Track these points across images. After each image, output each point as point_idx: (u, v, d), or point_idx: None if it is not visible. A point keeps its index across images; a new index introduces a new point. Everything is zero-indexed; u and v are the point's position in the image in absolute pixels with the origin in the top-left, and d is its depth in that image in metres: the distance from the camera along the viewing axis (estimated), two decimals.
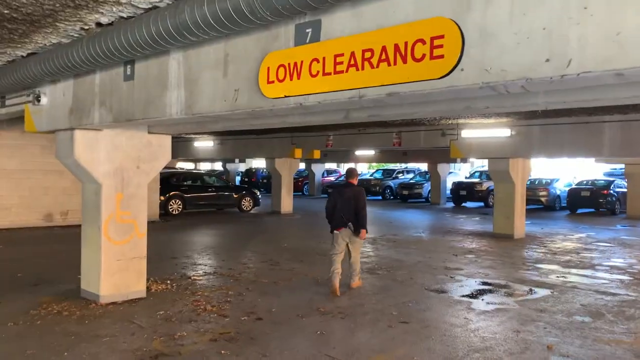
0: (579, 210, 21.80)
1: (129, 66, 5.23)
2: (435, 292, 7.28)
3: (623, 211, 21.21)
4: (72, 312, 5.96)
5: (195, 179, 18.65)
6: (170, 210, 16.75)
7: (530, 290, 7.44)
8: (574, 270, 8.97)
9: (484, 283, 7.87)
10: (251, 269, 8.69)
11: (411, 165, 31.71)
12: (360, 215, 6.89)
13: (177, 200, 17.00)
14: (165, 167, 19.18)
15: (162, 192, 16.05)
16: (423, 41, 2.84)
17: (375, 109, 3.98)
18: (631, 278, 8.45)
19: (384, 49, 3.02)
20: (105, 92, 5.56)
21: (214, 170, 40.19)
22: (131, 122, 5.28)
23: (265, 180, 31.89)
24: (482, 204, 24.06)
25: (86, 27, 4.88)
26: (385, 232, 13.81)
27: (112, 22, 4.61)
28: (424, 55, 2.85)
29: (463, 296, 7.08)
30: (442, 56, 2.78)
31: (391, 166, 34.25)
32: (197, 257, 9.74)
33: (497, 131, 12.78)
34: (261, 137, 18.91)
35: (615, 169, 26.61)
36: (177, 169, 21.96)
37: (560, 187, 22.96)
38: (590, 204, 20.89)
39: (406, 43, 2.92)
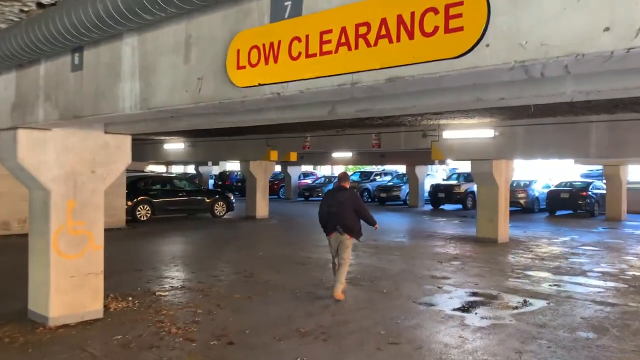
0: (558, 212, 21.66)
1: (77, 54, 4.50)
2: (425, 305, 6.70)
3: (602, 213, 21.13)
4: (15, 338, 5.18)
5: (164, 183, 17.77)
6: (138, 216, 15.85)
7: (525, 301, 6.92)
8: (566, 278, 8.51)
9: (474, 294, 7.33)
10: (223, 282, 7.98)
11: (389, 168, 31.32)
12: (365, 216, 6.94)
13: (146, 206, 16.11)
14: (134, 171, 18.49)
15: (129, 197, 15.16)
16: (435, 10, 2.23)
17: (368, 101, 3.36)
18: (626, 286, 8.03)
19: (383, 22, 2.40)
20: (51, 85, 4.81)
21: (186, 174, 39.15)
22: (80, 119, 4.55)
23: (239, 184, 31.08)
24: (460, 206, 23.75)
25: (26, 9, 4.16)
26: (366, 237, 13.19)
27: (55, 1, 3.91)
28: (436, 28, 2.23)
29: (454, 310, 6.51)
30: (460, 28, 2.17)
31: (368, 168, 33.80)
32: (164, 268, 8.97)
33: (480, 132, 12.35)
34: (235, 139, 18.17)
35: (592, 170, 26.64)
36: (146, 172, 21.00)
37: (539, 189, 22.80)
38: (569, 205, 20.73)
39: (413, 14, 2.30)
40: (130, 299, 6.64)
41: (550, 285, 8.00)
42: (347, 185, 7.15)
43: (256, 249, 11.34)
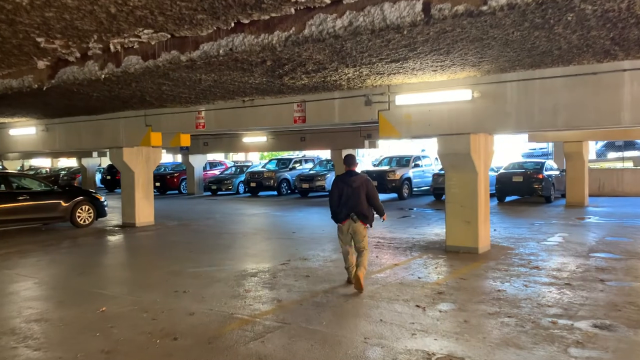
0: (508, 198, 18.63)
1: None
2: None
3: (557, 197, 18.36)
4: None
5: None
6: None
7: None
8: None
9: None
10: None
11: (310, 154, 27.19)
12: (376, 204, 6.60)
13: None
14: None
15: None
16: None
17: None
18: None
19: None
20: None
21: (70, 168, 32.72)
22: None
23: None
24: (395, 195, 20.17)
25: None
26: (290, 253, 8.95)
27: None
28: None
29: None
30: None
31: (287, 155, 29.48)
32: None
33: (452, 94, 8.41)
34: (101, 118, 13.09)
35: (535, 149, 24.06)
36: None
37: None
38: (523, 190, 17.64)
39: None
40: None
41: None
42: (355, 168, 6.75)
43: (113, 289, 6.69)
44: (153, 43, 5.92)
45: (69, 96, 9.42)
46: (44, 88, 7.28)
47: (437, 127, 8.67)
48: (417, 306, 5.69)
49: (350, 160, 6.76)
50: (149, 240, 11.38)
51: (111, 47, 6.02)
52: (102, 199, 13.68)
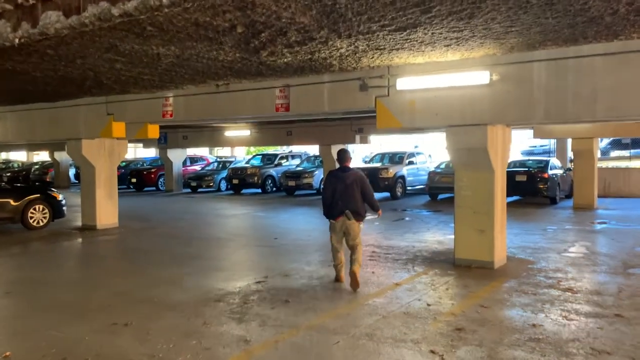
0: (509, 199, 17.25)
1: None
2: None
3: (561, 198, 17.03)
4: None
5: None
6: None
7: None
8: None
9: None
10: None
11: (297, 149, 25.68)
12: (371, 200, 6.49)
13: None
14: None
15: None
16: None
17: None
18: None
19: None
20: None
21: (43, 162, 30.85)
22: None
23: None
24: (388, 194, 18.69)
25: None
26: (269, 266, 7.46)
27: None
28: None
29: None
30: None
31: (272, 151, 27.96)
32: None
33: (465, 76, 6.96)
34: (58, 106, 11.47)
35: (536, 146, 22.67)
36: None
37: None
38: (527, 190, 16.26)
39: None
40: None
41: None
42: (349, 164, 6.54)
43: (13, 335, 5.15)
44: None
45: (1, 75, 7.82)
46: None
47: (447, 116, 7.20)
48: (432, 352, 4.23)
49: (343, 156, 6.54)
50: (106, 248, 9.82)
51: None
52: (60, 197, 12.06)
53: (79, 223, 12.08)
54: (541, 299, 5.73)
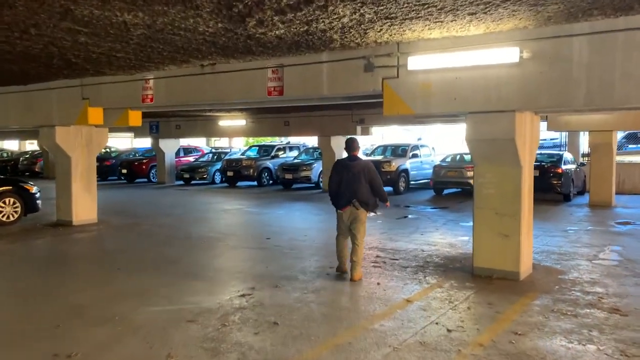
0: None
1: None
2: None
3: (575, 194, 15.99)
4: None
5: None
6: None
7: None
8: None
9: None
10: None
11: (295, 140, 24.59)
12: (379, 190, 6.29)
13: None
14: None
15: None
16: None
17: None
18: None
19: None
20: None
21: (32, 152, 29.74)
22: None
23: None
24: (390, 189, 17.60)
25: None
26: (258, 274, 6.42)
27: None
28: None
29: None
30: None
31: (270, 142, 26.86)
32: None
33: (490, 54, 5.88)
34: (33, 89, 10.38)
35: (545, 139, 21.59)
36: None
37: None
38: (539, 186, 15.06)
39: None
40: None
41: None
42: (358, 153, 6.36)
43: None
44: None
45: None
46: None
47: (468, 101, 6.13)
48: None
49: (351, 145, 6.34)
50: (77, 248, 8.77)
51: None
52: (34, 189, 10.99)
53: (55, 218, 11.02)
54: (585, 324, 4.69)
